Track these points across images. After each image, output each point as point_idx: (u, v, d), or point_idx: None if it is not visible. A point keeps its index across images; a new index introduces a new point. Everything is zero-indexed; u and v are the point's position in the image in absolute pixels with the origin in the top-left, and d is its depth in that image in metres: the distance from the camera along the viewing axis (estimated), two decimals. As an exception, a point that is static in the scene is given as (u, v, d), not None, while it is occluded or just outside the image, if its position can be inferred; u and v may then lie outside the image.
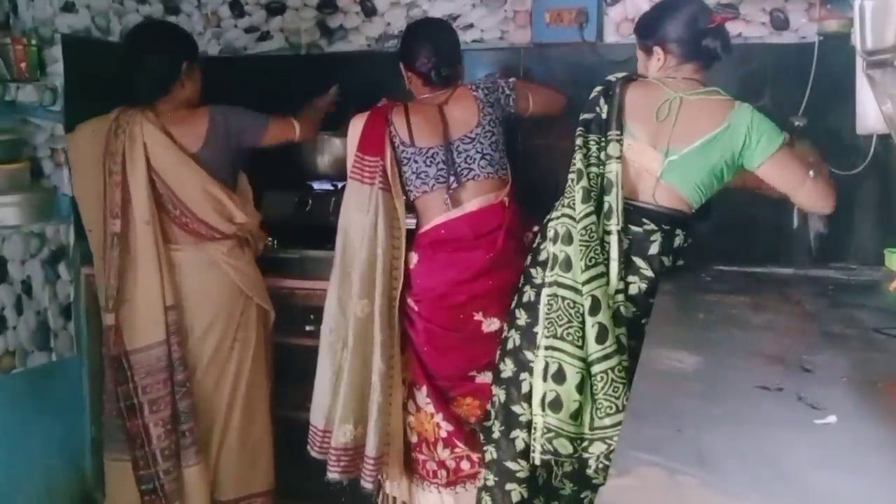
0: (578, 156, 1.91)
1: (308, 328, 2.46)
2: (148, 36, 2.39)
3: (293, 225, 2.65)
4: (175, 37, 2.40)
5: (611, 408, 1.77)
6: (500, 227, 2.19)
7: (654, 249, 1.90)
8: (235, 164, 2.41)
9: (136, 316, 2.29)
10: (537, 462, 1.87)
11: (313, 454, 2.25)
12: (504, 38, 2.78)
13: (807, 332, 1.53)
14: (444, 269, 2.20)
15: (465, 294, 2.18)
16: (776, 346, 1.40)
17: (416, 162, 2.22)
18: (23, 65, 2.33)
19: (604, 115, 1.93)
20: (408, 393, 2.28)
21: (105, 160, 2.28)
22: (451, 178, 2.20)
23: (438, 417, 2.22)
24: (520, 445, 1.99)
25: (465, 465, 2.24)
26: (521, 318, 2.03)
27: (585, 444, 1.82)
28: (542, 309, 1.88)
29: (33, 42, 2.37)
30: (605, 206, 1.88)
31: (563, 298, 1.83)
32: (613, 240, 1.86)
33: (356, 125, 2.26)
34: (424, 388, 2.23)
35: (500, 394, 2.05)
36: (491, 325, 2.18)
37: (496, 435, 2.04)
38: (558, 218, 1.90)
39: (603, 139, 1.92)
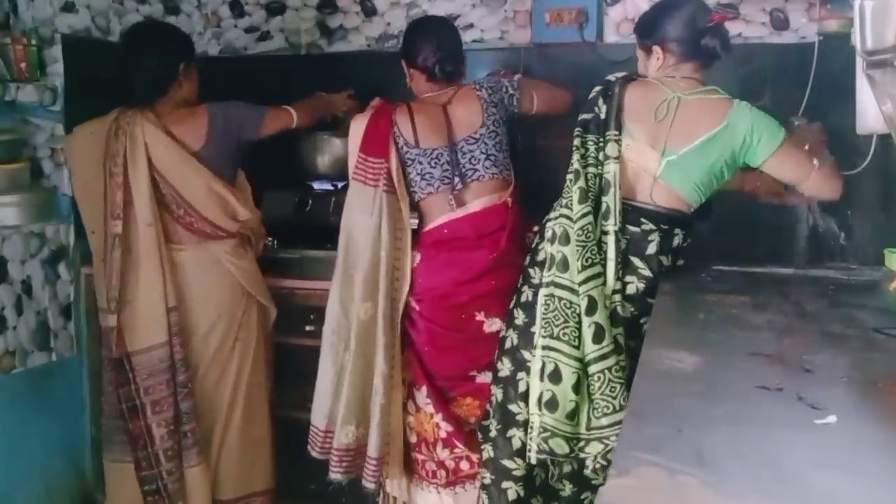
0: (576, 156, 1.91)
1: (308, 328, 2.46)
2: (145, 37, 2.39)
3: (293, 225, 2.65)
4: (172, 38, 2.40)
5: (608, 408, 1.77)
6: (502, 228, 2.19)
7: (651, 249, 1.90)
8: (236, 159, 2.41)
9: (137, 317, 2.28)
10: (533, 461, 1.87)
11: (314, 454, 2.25)
12: (504, 38, 2.78)
13: (807, 332, 1.53)
14: (446, 268, 2.20)
15: (467, 294, 2.17)
16: (776, 346, 1.40)
17: (420, 163, 2.21)
18: (23, 65, 2.33)
19: (602, 115, 1.93)
20: (407, 393, 2.27)
21: (105, 161, 2.28)
22: (456, 179, 2.19)
23: (438, 418, 2.21)
24: (516, 444, 1.99)
25: (464, 465, 2.23)
26: (519, 317, 2.03)
27: (582, 444, 1.82)
28: (539, 309, 1.88)
29: (33, 42, 2.37)
30: (603, 206, 1.88)
31: (560, 298, 1.83)
32: (610, 240, 1.86)
33: (358, 126, 2.25)
34: (424, 389, 2.22)
35: (497, 392, 2.06)
36: (492, 325, 2.17)
37: (493, 433, 2.05)
38: (556, 218, 1.90)
39: (601, 139, 1.92)
